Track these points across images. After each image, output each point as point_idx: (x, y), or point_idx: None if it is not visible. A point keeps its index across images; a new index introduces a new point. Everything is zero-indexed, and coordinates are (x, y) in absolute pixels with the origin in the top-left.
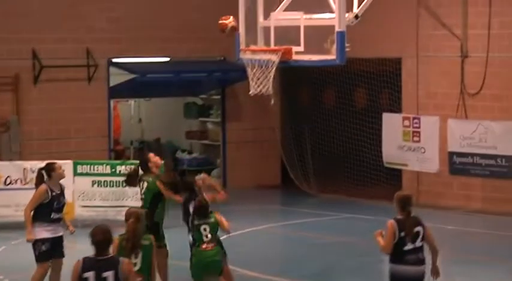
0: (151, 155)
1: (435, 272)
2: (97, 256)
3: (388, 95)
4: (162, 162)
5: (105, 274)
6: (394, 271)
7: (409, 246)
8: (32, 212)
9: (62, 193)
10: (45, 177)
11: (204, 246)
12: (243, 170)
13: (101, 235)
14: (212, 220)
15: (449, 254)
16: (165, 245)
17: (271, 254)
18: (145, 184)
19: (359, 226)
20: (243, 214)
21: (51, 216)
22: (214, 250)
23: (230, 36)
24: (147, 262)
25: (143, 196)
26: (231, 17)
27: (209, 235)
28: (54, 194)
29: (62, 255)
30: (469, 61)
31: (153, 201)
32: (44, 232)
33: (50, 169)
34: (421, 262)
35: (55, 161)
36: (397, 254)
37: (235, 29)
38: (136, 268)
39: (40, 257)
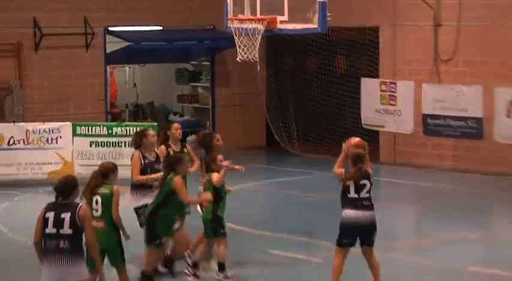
0: (174, 125)
1: None
2: (57, 200)
3: (367, 61)
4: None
5: (63, 215)
6: (342, 214)
7: (353, 195)
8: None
9: (157, 160)
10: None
11: None
12: (230, 131)
13: (59, 183)
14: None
15: (424, 209)
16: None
17: (256, 210)
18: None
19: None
20: (231, 172)
21: (148, 183)
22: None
23: None
24: (107, 210)
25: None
26: None
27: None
28: (146, 161)
29: None
30: (442, 30)
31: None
32: (143, 199)
33: (141, 135)
34: (367, 207)
35: (149, 128)
36: (345, 200)
37: None
38: (98, 214)
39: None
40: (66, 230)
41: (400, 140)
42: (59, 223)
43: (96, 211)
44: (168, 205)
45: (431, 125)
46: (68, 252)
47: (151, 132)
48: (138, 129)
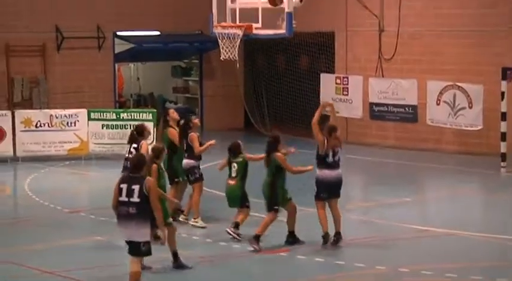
0: (170, 110)
1: None
2: (130, 173)
3: (325, 60)
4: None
5: (133, 187)
6: (319, 174)
7: (330, 159)
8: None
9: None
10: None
11: (228, 181)
12: (215, 116)
13: (133, 160)
14: (240, 159)
15: (369, 179)
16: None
17: None
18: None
19: (302, 158)
20: (216, 150)
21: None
22: (235, 185)
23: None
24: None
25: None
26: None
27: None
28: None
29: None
30: (385, 34)
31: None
32: None
33: (143, 128)
34: (338, 167)
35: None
36: (322, 163)
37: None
38: None
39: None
40: (135, 198)
41: (351, 123)
42: (130, 192)
43: None
44: (280, 177)
45: (376, 111)
46: (135, 216)
47: (147, 125)
48: (137, 124)
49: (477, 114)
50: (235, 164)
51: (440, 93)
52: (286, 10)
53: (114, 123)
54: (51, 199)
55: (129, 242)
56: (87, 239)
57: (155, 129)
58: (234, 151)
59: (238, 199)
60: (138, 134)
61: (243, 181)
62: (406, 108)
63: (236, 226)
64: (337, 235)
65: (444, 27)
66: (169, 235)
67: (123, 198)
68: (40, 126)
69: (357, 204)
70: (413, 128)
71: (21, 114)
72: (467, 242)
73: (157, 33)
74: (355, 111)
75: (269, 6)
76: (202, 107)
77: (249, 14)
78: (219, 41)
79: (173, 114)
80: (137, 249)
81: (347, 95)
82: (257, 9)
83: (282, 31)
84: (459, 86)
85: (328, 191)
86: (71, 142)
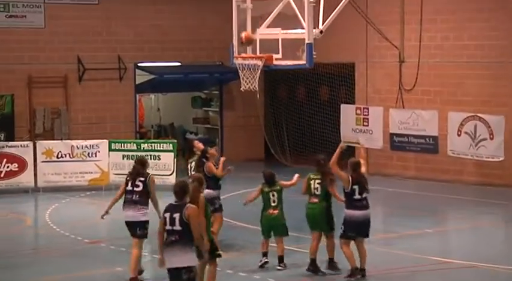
0: (195, 141)
1: None
2: (175, 201)
3: (345, 90)
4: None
5: (175, 215)
6: (347, 214)
7: (357, 196)
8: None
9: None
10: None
11: (270, 211)
12: (235, 147)
13: (176, 187)
14: (278, 187)
15: (390, 210)
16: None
17: (256, 209)
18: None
19: None
20: (237, 180)
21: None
22: (279, 214)
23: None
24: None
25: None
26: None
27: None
28: None
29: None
30: (405, 65)
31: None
32: None
33: (145, 161)
34: (366, 207)
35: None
36: (350, 201)
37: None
38: None
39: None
40: (177, 227)
41: (372, 153)
42: (172, 221)
43: None
44: (331, 198)
45: (397, 142)
46: (178, 243)
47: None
48: (138, 157)
49: (498, 146)
50: (274, 193)
51: (461, 124)
52: (307, 41)
53: (135, 154)
54: (71, 230)
55: (170, 270)
56: (108, 270)
57: (175, 160)
58: (271, 180)
59: (285, 228)
60: (143, 167)
61: (283, 209)
62: (427, 139)
63: (281, 260)
64: (362, 271)
65: (464, 58)
66: (209, 269)
67: (168, 227)
68: (61, 157)
69: (378, 235)
70: (434, 159)
71: (43, 145)
72: (488, 274)
73: (178, 64)
74: (376, 142)
75: (290, 37)
76: (223, 137)
77: (269, 45)
78: (240, 71)
79: (198, 144)
80: (178, 277)
81: (367, 125)
82: (277, 40)
83: (303, 62)
84: (480, 117)
85: (357, 231)
86: (91, 173)
